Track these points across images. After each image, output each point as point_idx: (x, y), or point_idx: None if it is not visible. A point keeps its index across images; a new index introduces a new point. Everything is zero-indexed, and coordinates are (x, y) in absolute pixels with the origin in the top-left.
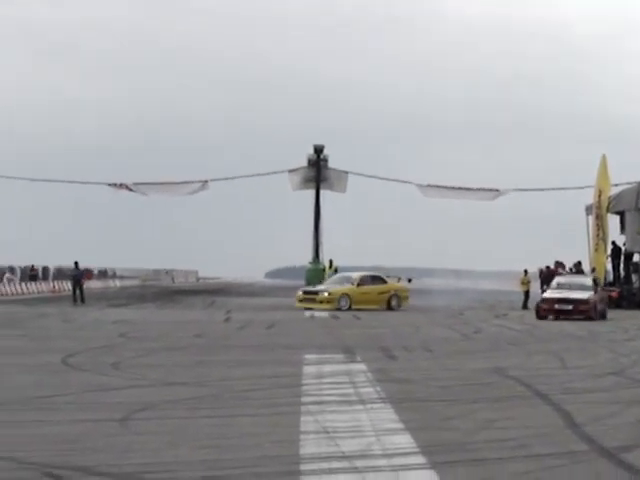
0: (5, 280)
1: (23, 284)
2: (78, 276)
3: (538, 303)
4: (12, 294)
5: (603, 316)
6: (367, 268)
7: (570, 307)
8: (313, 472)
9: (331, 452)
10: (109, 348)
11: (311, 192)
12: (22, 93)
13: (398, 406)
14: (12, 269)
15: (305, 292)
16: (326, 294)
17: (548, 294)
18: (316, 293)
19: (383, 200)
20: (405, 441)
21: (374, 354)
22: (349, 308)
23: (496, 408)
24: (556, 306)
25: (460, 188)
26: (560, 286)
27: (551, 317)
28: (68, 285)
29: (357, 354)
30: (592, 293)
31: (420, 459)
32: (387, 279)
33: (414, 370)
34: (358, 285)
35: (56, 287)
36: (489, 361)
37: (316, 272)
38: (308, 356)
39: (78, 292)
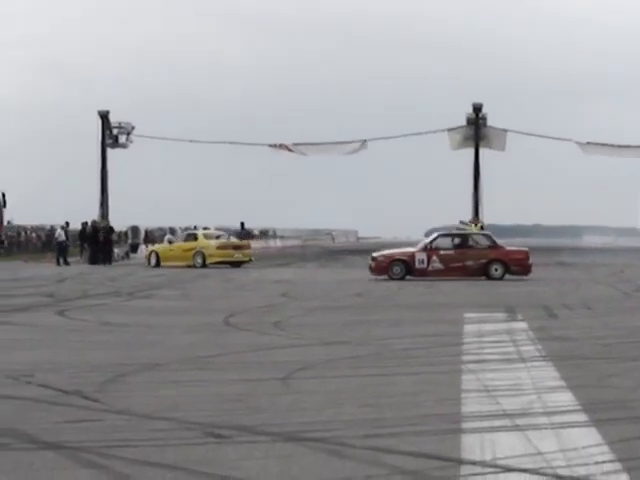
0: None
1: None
2: (243, 236)
3: None
4: None
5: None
6: (526, 227)
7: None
8: (475, 430)
9: (492, 410)
10: (270, 307)
11: (470, 150)
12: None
13: (559, 364)
14: (173, 230)
15: None
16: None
17: None
18: None
19: (543, 158)
20: (566, 399)
21: (535, 312)
22: (157, 264)
23: None
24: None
25: (620, 146)
26: None
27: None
28: None
29: (518, 312)
30: (402, 251)
31: (581, 417)
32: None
33: (575, 328)
34: (170, 242)
35: None
36: None
37: None
38: (468, 315)
39: None
